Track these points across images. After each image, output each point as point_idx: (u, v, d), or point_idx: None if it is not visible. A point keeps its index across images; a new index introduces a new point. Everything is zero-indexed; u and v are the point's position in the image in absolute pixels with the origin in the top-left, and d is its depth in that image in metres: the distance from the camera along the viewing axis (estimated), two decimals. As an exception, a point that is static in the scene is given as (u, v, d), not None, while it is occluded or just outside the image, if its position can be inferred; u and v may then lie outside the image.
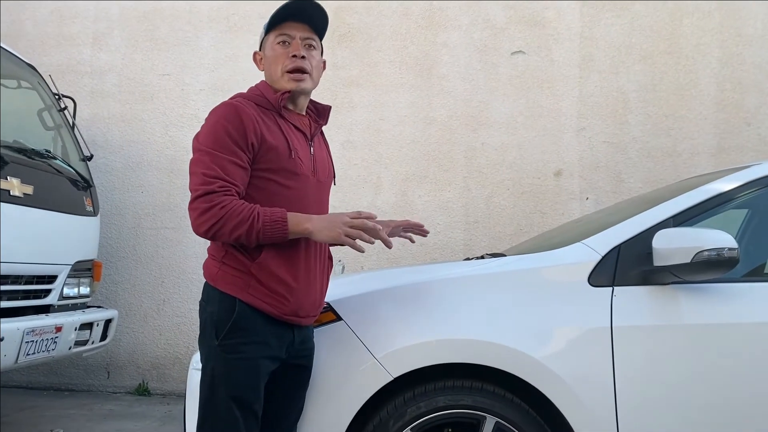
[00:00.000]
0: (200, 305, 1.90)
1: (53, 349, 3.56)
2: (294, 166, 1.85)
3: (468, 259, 3.30)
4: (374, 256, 5.20)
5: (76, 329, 3.73)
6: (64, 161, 4.16)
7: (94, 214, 4.38)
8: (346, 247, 5.50)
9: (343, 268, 5.19)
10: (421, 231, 2.26)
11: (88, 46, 5.59)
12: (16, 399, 4.89)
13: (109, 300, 5.33)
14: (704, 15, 5.15)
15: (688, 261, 2.00)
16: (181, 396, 5.27)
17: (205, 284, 1.89)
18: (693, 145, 5.08)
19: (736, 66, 5.11)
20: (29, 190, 3.58)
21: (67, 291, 4.02)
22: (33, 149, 3.82)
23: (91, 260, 4.34)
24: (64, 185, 4.03)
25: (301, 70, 1.89)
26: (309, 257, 1.89)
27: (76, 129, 4.62)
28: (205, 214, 1.72)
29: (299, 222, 1.76)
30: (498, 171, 5.20)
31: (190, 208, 1.75)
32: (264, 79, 1.98)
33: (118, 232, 5.40)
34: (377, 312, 2.17)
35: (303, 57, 1.89)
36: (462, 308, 2.14)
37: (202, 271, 1.93)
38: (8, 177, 3.42)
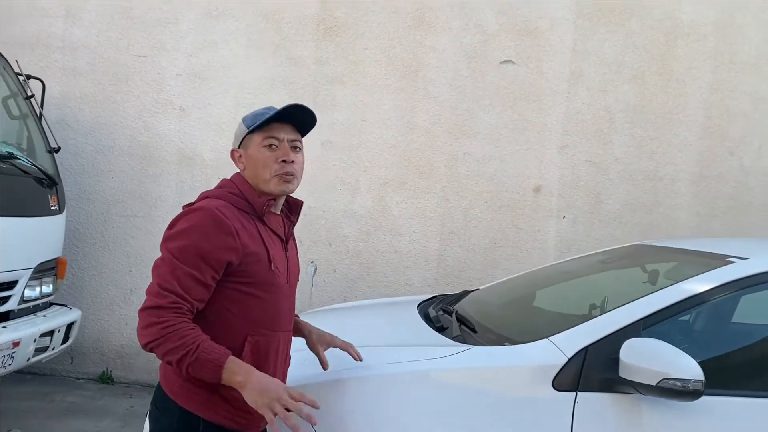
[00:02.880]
0: (153, 410, 1.84)
1: (10, 364, 3.49)
2: (272, 277, 1.81)
3: (421, 303, 3.26)
4: (347, 260, 5.15)
5: (35, 341, 3.65)
6: (27, 159, 3.99)
7: (60, 211, 4.24)
8: (320, 250, 5.43)
9: (315, 269, 5.14)
10: (356, 357, 2.16)
11: (61, 19, 5.31)
12: (-24, 384, 4.84)
13: (75, 286, 5.24)
14: (700, 37, 5.03)
15: (653, 384, 1.98)
16: (145, 386, 5.27)
17: (162, 392, 1.82)
18: (675, 171, 5.04)
19: (726, 93, 5.03)
20: (-11, 199, 3.44)
21: (28, 293, 3.93)
22: (-7, 153, 3.65)
23: (55, 259, 4.23)
24: (27, 187, 3.88)
25: (290, 174, 1.85)
26: (277, 366, 1.88)
27: (43, 119, 4.43)
28: (148, 329, 1.64)
29: (236, 372, 1.64)
30: (477, 183, 5.13)
31: (139, 315, 1.68)
32: (240, 174, 1.90)
33: (86, 217, 5.27)
34: (336, 404, 2.12)
35: (292, 161, 1.85)
36: (412, 411, 2.09)
37: (159, 374, 1.85)
38: (-34, 188, 3.28)
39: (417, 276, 5.12)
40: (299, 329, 2.13)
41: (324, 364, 2.10)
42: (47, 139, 4.37)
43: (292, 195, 1.99)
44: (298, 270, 2.02)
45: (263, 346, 1.81)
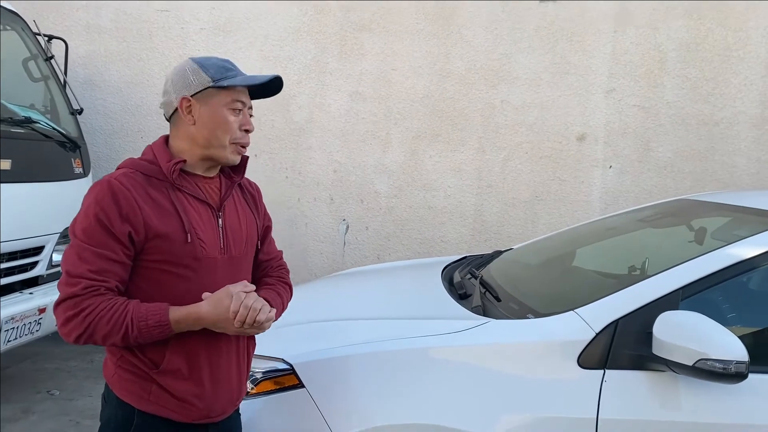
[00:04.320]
0: (102, 400, 1.67)
1: (38, 330, 3.49)
2: (193, 250, 1.55)
3: (447, 267, 3.06)
4: (380, 217, 4.98)
5: (62, 306, 3.64)
6: (48, 123, 3.92)
7: (85, 174, 4.18)
8: (352, 207, 5.29)
9: (347, 227, 5.00)
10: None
11: (82, -25, 5.19)
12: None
13: (111, 247, 5.25)
14: (764, -37, 4.52)
15: (690, 364, 1.75)
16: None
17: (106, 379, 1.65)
18: (733, 114, 4.62)
19: (794, 25, 4.54)
20: (6, 165, 3.38)
21: (57, 258, 3.91)
22: (10, 118, 3.58)
23: (83, 222, 4.20)
24: (48, 151, 3.82)
25: (246, 145, 1.67)
26: (220, 351, 1.63)
27: (66, 84, 4.35)
28: (70, 323, 1.46)
29: (185, 323, 1.50)
30: (516, 132, 4.83)
31: (55, 312, 1.49)
32: (164, 137, 1.65)
33: (118, 178, 5.23)
34: (342, 383, 1.99)
35: (250, 132, 1.67)
36: (430, 386, 1.94)
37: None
38: (-19, 155, 3.23)
39: (452, 232, 4.91)
40: None
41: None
42: (69, 101, 4.29)
43: None
44: (250, 236, 1.73)
45: (195, 332, 1.56)
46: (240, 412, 1.81)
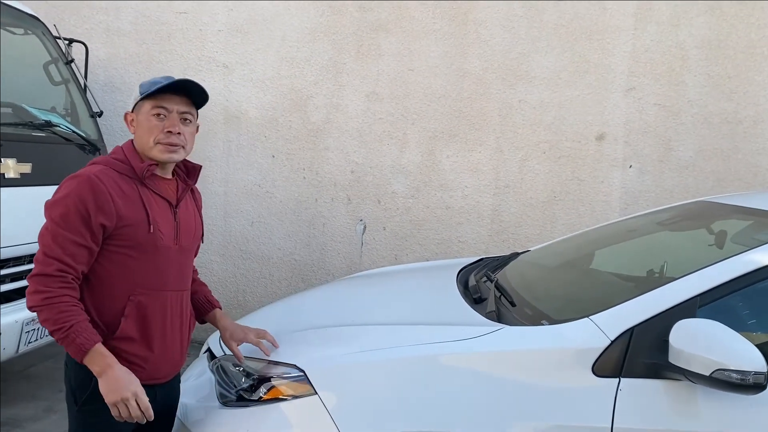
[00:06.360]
0: (64, 365, 1.91)
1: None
2: (153, 239, 1.86)
3: (463, 269, 3.05)
4: (397, 218, 4.97)
5: (82, 307, 3.69)
6: (69, 126, 3.97)
7: (105, 176, 4.22)
8: (369, 207, 5.27)
9: (364, 228, 5.00)
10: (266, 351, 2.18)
11: (102, -22, 5.24)
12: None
13: (131, 248, 5.30)
14: (789, -42, 4.42)
15: (706, 374, 1.72)
16: (201, 343, 5.32)
17: None
18: (757, 112, 4.53)
19: (820, 20, 4.43)
20: (26, 168, 3.43)
21: (77, 259, 3.95)
22: (30, 121, 3.63)
23: (103, 224, 4.24)
24: (67, 154, 3.86)
25: (175, 144, 1.90)
26: (166, 323, 1.93)
27: (86, 87, 4.39)
28: (33, 295, 1.73)
29: (96, 362, 1.73)
30: (534, 132, 4.78)
31: (28, 281, 1.76)
32: (133, 140, 1.95)
33: (137, 179, 5.28)
34: (354, 390, 1.98)
35: (179, 133, 1.90)
36: (443, 394, 1.93)
37: None
38: (2, 159, 3.26)
39: (470, 233, 4.89)
40: (215, 323, 2.21)
41: (239, 359, 2.16)
42: (89, 104, 4.34)
43: (189, 160, 2.06)
44: (197, 232, 2.06)
45: (148, 305, 1.87)
46: (180, 379, 2.16)
